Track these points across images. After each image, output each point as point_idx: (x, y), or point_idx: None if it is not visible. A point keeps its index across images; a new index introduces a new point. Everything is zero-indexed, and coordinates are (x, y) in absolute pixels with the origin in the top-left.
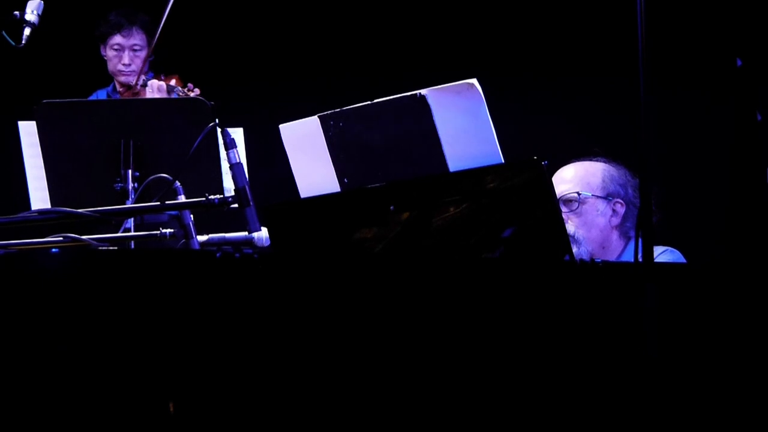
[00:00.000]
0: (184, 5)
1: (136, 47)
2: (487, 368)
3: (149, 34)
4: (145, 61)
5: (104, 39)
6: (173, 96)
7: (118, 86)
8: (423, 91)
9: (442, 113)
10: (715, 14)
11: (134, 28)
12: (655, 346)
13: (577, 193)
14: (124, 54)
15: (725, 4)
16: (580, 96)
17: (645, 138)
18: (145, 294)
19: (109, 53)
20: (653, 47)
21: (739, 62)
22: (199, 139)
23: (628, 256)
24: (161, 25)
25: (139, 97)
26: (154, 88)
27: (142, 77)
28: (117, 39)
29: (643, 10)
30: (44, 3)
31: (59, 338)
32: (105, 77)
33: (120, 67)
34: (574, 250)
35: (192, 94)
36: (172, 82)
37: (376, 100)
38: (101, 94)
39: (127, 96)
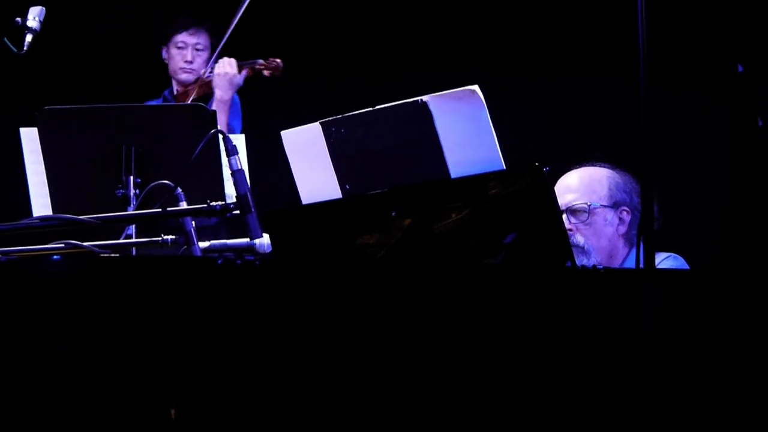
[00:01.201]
0: (183, 13)
1: (199, 46)
2: (489, 373)
3: (213, 37)
4: (205, 62)
5: (168, 38)
6: (245, 71)
7: (176, 87)
8: (424, 98)
9: (444, 119)
10: (717, 19)
11: (201, 29)
12: (655, 350)
13: (587, 204)
14: (188, 51)
15: (726, 9)
16: (581, 101)
17: (646, 144)
18: (147, 301)
19: (172, 51)
20: (654, 54)
21: (740, 68)
22: (200, 145)
23: (632, 263)
24: (229, 31)
25: (208, 91)
26: (225, 65)
27: (208, 67)
28: (182, 36)
29: (644, 16)
30: (46, 9)
31: (61, 345)
32: (103, 84)
33: (182, 64)
34: (584, 261)
35: (277, 62)
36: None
37: (377, 107)
38: (160, 100)
39: (182, 99)
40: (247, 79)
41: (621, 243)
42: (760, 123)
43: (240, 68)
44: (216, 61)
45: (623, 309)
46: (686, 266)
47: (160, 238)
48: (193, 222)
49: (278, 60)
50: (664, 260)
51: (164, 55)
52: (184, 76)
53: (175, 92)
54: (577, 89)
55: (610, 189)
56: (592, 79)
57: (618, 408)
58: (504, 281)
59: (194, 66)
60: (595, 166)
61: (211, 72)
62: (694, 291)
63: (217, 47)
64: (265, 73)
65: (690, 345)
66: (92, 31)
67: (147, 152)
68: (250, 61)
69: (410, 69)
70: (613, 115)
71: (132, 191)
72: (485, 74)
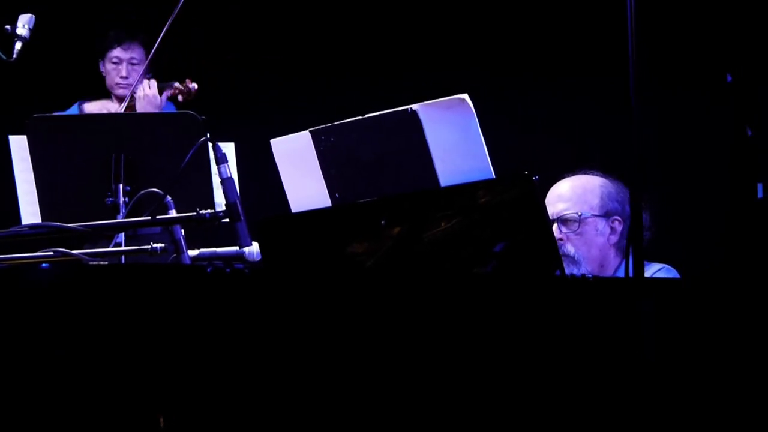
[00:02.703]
0: (175, 21)
1: (133, 61)
2: (478, 382)
3: (147, 50)
4: (141, 75)
5: (103, 53)
6: (167, 92)
7: (115, 100)
8: (414, 106)
9: (434, 128)
10: (708, 30)
11: (134, 43)
12: (643, 358)
13: (577, 213)
14: (122, 66)
15: (716, 21)
16: (573, 109)
17: (636, 153)
18: (136, 309)
19: (108, 66)
20: (646, 64)
21: (729, 77)
22: (190, 153)
23: (623, 272)
24: (157, 44)
25: (133, 111)
26: (145, 87)
27: (134, 88)
28: (116, 52)
29: (634, 31)
30: (35, 17)
31: (49, 353)
32: (96, 92)
33: (117, 80)
34: (574, 270)
35: (191, 86)
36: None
37: (367, 115)
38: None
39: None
40: (228, 87)
41: (612, 253)
42: (750, 132)
43: (160, 90)
44: (141, 82)
45: (612, 318)
46: (678, 277)
47: (149, 246)
48: (182, 230)
49: (193, 84)
50: (658, 271)
51: (101, 68)
52: (120, 92)
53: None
54: (569, 97)
55: (602, 198)
56: (583, 87)
57: (603, 418)
58: (493, 290)
59: (130, 81)
60: (588, 174)
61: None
62: (682, 301)
63: (155, 60)
64: (179, 98)
65: (679, 355)
66: (82, 40)
67: (136, 160)
68: (168, 83)
69: (400, 77)
70: (605, 123)
71: (121, 199)
72: (475, 82)
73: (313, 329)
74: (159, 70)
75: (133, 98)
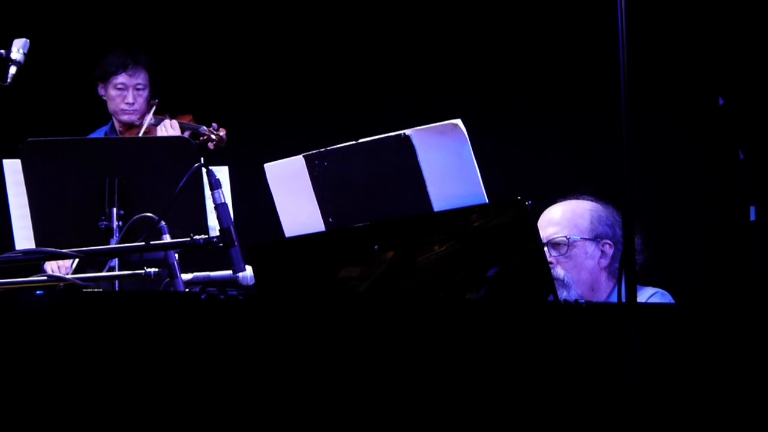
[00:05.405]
0: (166, 44)
1: (139, 86)
2: (470, 409)
3: (152, 73)
4: (147, 100)
5: (106, 78)
6: (188, 132)
7: (117, 125)
8: (407, 131)
9: (427, 153)
10: (698, 52)
11: (139, 68)
12: (636, 386)
13: (566, 237)
14: (128, 93)
15: (708, 43)
16: (565, 135)
17: (626, 177)
18: (130, 336)
19: (112, 92)
20: (635, 87)
21: (721, 101)
22: (184, 179)
23: (616, 297)
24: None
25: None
26: (167, 127)
27: (149, 116)
28: (121, 78)
29: (625, 48)
30: (30, 42)
31: (40, 380)
32: (94, 116)
33: (123, 106)
34: (564, 294)
35: (221, 133)
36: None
37: (361, 140)
38: (100, 134)
39: (127, 135)
40: (222, 109)
41: (604, 276)
42: (742, 156)
43: (182, 130)
44: (156, 111)
45: (605, 343)
46: (673, 302)
47: (143, 271)
48: (176, 255)
49: (222, 131)
50: (652, 296)
51: (101, 92)
52: (125, 117)
53: (117, 130)
54: (563, 122)
55: (591, 222)
56: (577, 113)
57: None
58: (486, 315)
59: (136, 107)
60: (580, 199)
61: (154, 124)
62: (674, 326)
63: (157, 81)
64: (210, 145)
65: (671, 381)
66: (75, 64)
67: (130, 184)
68: (194, 125)
69: (394, 101)
70: (598, 149)
71: (115, 223)
72: (469, 107)
73: (306, 354)
74: (167, 102)
75: (145, 127)
